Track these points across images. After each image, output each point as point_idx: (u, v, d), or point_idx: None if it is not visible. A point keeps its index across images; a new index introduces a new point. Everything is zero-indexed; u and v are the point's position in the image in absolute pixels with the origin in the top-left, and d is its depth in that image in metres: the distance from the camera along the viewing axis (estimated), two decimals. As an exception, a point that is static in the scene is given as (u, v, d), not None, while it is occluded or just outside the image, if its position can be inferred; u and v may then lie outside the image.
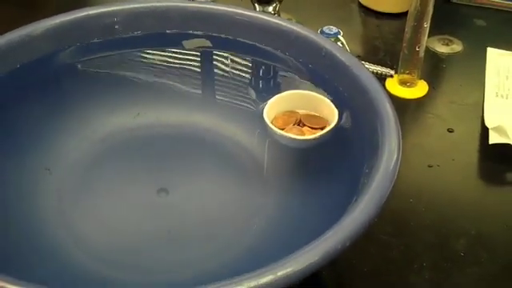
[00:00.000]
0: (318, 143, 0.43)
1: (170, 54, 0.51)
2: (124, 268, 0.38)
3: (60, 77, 0.48)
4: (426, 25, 0.56)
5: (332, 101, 0.44)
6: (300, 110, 0.46)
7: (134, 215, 0.41)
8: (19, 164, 0.43)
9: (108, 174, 0.44)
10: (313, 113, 0.45)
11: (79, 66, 0.49)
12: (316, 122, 0.44)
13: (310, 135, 0.44)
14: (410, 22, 0.56)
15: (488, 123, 0.53)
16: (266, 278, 0.30)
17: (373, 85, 0.41)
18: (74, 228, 0.40)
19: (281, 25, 0.48)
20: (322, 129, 0.44)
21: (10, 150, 0.43)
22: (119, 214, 0.41)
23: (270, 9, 0.60)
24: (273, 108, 0.45)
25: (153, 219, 0.41)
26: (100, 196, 0.43)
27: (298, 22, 0.52)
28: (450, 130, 0.55)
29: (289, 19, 0.58)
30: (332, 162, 0.43)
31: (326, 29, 0.56)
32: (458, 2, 0.73)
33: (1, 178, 0.41)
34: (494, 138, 0.52)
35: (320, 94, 0.45)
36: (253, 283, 0.29)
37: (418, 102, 0.59)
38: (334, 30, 0.56)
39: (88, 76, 0.50)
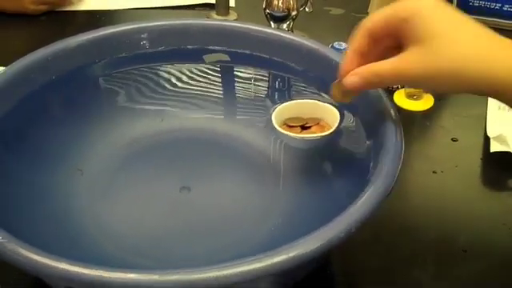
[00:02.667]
0: (328, 145, 0.47)
1: (191, 67, 0.55)
2: (147, 257, 0.41)
3: (92, 87, 0.53)
4: (431, 41, 0.60)
5: (340, 107, 0.48)
6: (306, 115, 0.50)
7: (159, 210, 0.45)
8: (55, 165, 0.47)
9: (134, 173, 0.48)
10: (317, 118, 0.49)
11: (109, 77, 0.53)
12: (320, 125, 0.48)
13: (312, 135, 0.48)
14: (415, 39, 0.60)
15: (490, 133, 0.57)
16: (280, 257, 0.33)
17: (377, 92, 0.45)
18: (102, 220, 0.44)
19: (294, 40, 0.52)
20: (325, 131, 0.48)
21: (47, 153, 0.47)
22: (144, 209, 0.45)
23: (284, 26, 0.65)
24: (282, 113, 0.49)
25: (176, 213, 0.45)
26: (127, 193, 0.46)
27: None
28: (454, 140, 0.58)
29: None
30: (341, 162, 0.47)
31: (336, 44, 0.60)
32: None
33: (39, 177, 0.45)
34: (495, 147, 0.55)
35: (328, 102, 0.49)
36: (269, 261, 0.33)
37: (424, 114, 0.62)
38: (344, 45, 0.59)
39: (117, 86, 0.54)
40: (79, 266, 0.33)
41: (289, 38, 0.53)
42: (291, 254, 0.34)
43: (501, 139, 0.56)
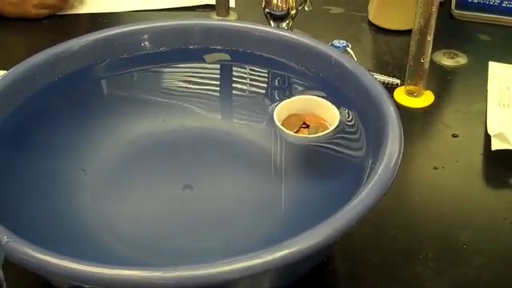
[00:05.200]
0: (328, 141, 0.47)
1: (192, 67, 0.55)
2: (151, 253, 0.42)
3: (94, 88, 0.53)
4: (430, 38, 0.60)
5: (340, 104, 0.48)
6: (306, 112, 0.50)
7: (162, 208, 0.45)
8: (58, 165, 0.47)
9: (137, 172, 0.48)
10: (317, 115, 0.49)
11: (111, 78, 0.54)
12: (320, 123, 0.49)
13: (313, 134, 0.48)
14: (414, 36, 0.60)
15: (490, 131, 0.57)
16: (280, 253, 0.34)
17: (377, 88, 0.45)
18: (106, 219, 0.44)
19: (293, 38, 0.53)
20: (325, 129, 0.48)
21: (51, 154, 0.48)
22: (148, 208, 0.46)
23: (284, 25, 0.65)
24: (282, 111, 0.50)
25: (179, 211, 0.45)
26: (130, 192, 0.47)
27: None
28: (455, 136, 0.59)
29: (302, 35, 0.62)
30: (340, 158, 0.47)
31: (335, 42, 0.60)
32: (463, 19, 0.77)
33: (42, 177, 0.46)
34: (496, 145, 0.55)
35: (328, 99, 0.49)
36: (269, 257, 0.33)
37: (425, 111, 0.62)
38: (343, 43, 0.60)
39: (119, 87, 0.54)
40: (83, 264, 0.34)
41: (289, 37, 0.53)
42: (292, 250, 0.34)
43: (502, 137, 0.56)
